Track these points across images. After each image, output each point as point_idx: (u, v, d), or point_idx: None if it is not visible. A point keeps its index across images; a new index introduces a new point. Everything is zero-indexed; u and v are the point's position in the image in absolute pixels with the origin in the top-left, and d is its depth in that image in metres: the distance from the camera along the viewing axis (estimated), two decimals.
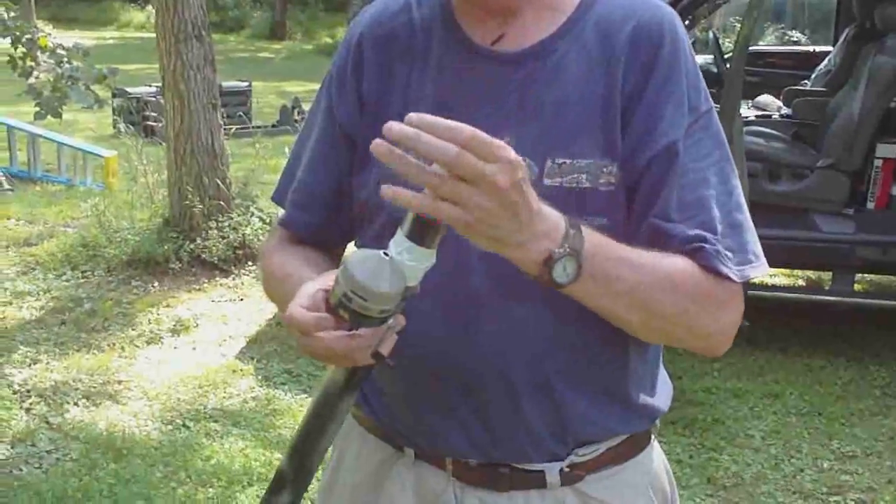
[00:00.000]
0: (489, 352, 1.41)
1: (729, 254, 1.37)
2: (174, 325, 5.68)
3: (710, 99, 1.44)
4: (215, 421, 4.52)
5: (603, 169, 1.38)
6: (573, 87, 1.41)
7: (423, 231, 1.18)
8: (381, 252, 1.19)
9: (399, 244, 1.19)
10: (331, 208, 1.58)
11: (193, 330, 5.65)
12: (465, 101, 1.45)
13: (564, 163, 1.39)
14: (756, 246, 1.42)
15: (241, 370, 5.09)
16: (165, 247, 6.49)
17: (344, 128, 1.55)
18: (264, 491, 3.68)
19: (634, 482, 1.54)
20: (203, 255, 6.49)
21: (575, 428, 1.48)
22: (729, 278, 1.37)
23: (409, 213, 1.18)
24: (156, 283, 6.28)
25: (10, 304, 5.98)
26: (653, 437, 1.60)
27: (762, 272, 1.42)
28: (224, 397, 4.78)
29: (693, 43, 6.97)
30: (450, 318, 1.41)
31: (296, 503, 1.43)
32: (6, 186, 8.97)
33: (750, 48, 6.44)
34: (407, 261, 1.19)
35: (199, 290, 6.25)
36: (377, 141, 1.13)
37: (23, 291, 6.17)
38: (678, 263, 1.36)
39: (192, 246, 6.51)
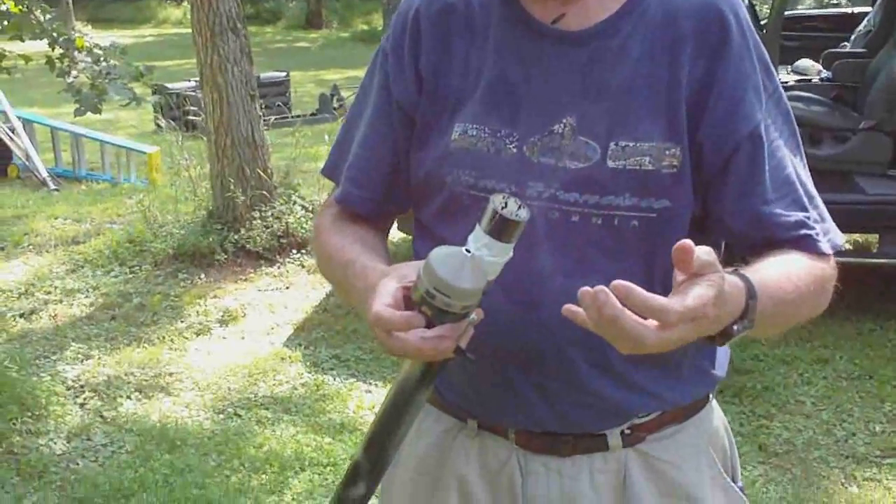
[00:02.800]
0: (550, 329, 1.41)
1: (821, 228, 1.43)
2: (222, 316, 5.73)
3: (777, 75, 1.47)
4: (266, 408, 4.56)
5: (666, 151, 1.39)
6: (637, 69, 1.41)
7: (503, 226, 1.18)
8: (463, 249, 1.20)
9: (478, 239, 1.20)
10: (388, 185, 1.58)
11: (241, 319, 5.70)
12: (525, 79, 1.45)
13: (628, 145, 1.39)
14: (830, 216, 1.48)
15: (290, 357, 5.13)
16: (210, 239, 6.54)
17: (402, 104, 1.54)
18: (316, 475, 3.72)
19: (695, 441, 1.55)
20: (248, 246, 6.53)
21: (634, 402, 1.49)
22: (830, 255, 1.43)
23: (489, 207, 1.18)
24: (202, 275, 6.34)
25: (61, 301, 6.07)
26: (711, 398, 1.61)
27: (841, 241, 1.47)
28: (274, 385, 4.82)
29: None
30: (513, 296, 1.41)
31: (370, 495, 1.45)
32: (52, 186, 9.08)
33: (787, 12, 6.37)
34: (487, 256, 1.19)
35: (246, 280, 6.30)
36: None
37: (72, 289, 6.25)
38: (803, 272, 1.38)
39: (236, 237, 6.56)
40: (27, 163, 9.44)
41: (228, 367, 5.03)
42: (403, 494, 1.65)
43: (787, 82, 6.30)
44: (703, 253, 1.14)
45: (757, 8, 7.64)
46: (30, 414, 4.46)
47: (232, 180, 6.62)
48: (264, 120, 7.07)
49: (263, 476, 3.94)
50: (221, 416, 4.52)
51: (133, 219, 7.52)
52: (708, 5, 1.42)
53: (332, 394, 4.68)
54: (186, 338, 5.47)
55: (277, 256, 6.58)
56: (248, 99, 6.76)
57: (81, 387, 4.85)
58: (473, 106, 1.47)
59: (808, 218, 1.42)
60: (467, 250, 1.19)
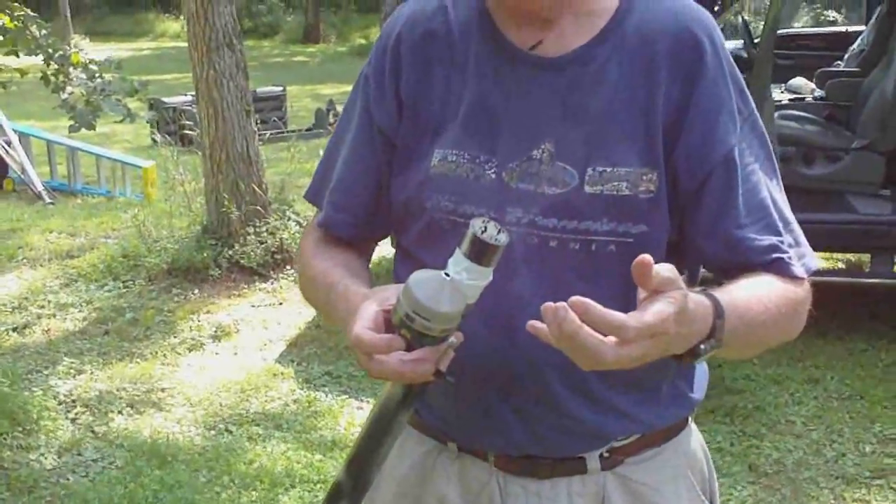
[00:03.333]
0: (528, 353, 1.42)
1: (794, 253, 1.44)
2: (215, 332, 5.73)
3: (751, 98, 1.48)
4: (257, 424, 4.57)
5: (643, 176, 1.40)
6: (615, 94, 1.42)
7: (482, 250, 1.19)
8: (442, 273, 1.21)
9: (458, 263, 1.21)
10: (370, 210, 1.59)
11: (234, 335, 5.71)
12: (504, 105, 1.46)
13: (605, 171, 1.40)
14: (803, 236, 1.49)
15: (282, 373, 5.14)
16: (204, 254, 6.55)
17: (383, 129, 1.55)
18: (307, 492, 3.72)
19: (674, 464, 1.56)
20: (242, 261, 6.54)
21: (613, 425, 1.50)
22: (803, 278, 1.44)
23: (469, 231, 1.20)
24: (196, 291, 6.34)
25: (54, 316, 6.07)
26: (690, 419, 1.62)
27: (815, 265, 1.48)
28: (266, 401, 4.82)
29: (722, 28, 6.95)
30: (491, 320, 1.42)
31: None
32: (48, 200, 9.09)
33: (781, 31, 6.41)
34: (466, 280, 1.21)
35: (239, 295, 6.30)
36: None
37: (66, 303, 6.25)
38: (775, 294, 1.39)
39: (230, 252, 6.57)
40: (23, 176, 9.45)
41: (220, 383, 5.03)
42: None
43: (780, 101, 6.32)
44: (664, 269, 1.15)
45: (751, 26, 7.67)
46: (21, 429, 4.46)
47: (226, 196, 6.62)
48: (260, 135, 7.09)
49: (254, 493, 3.94)
50: (213, 431, 4.52)
51: (128, 233, 7.52)
52: (682, 29, 1.43)
53: (323, 410, 4.69)
54: (179, 353, 5.47)
55: (271, 272, 6.58)
56: (243, 114, 6.77)
57: (73, 402, 4.85)
58: (453, 132, 1.48)
59: (782, 242, 1.43)
60: (446, 274, 1.21)
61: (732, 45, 6.66)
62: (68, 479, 4.11)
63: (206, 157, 6.86)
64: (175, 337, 5.69)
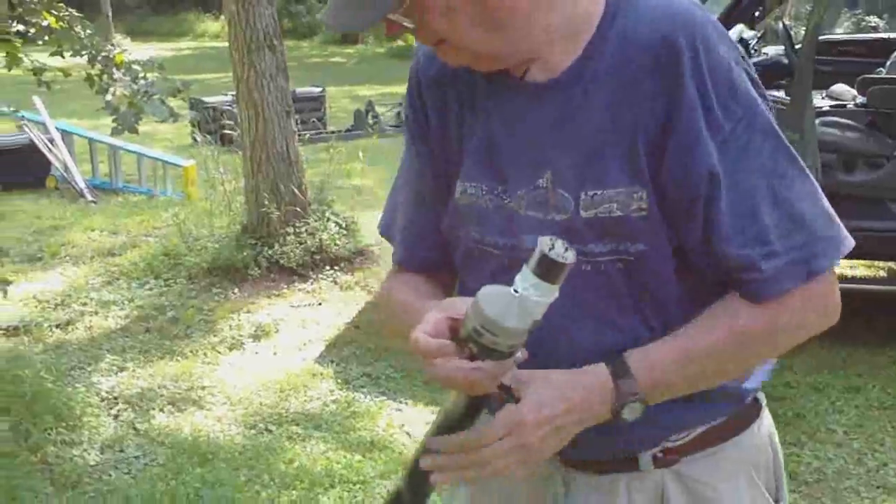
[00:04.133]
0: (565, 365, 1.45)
1: (788, 259, 1.38)
2: (255, 331, 5.78)
3: (752, 91, 1.42)
4: (297, 424, 4.60)
5: (633, 195, 1.41)
6: (601, 115, 1.43)
7: (550, 267, 1.22)
8: (511, 289, 1.24)
9: (525, 279, 1.24)
10: (440, 243, 1.64)
11: (274, 335, 5.75)
12: (509, 135, 1.50)
13: (596, 194, 1.42)
14: (829, 229, 1.42)
15: (322, 374, 5.17)
16: (244, 254, 6.60)
17: (427, 165, 1.62)
18: (346, 493, 3.74)
19: (735, 460, 1.57)
20: (281, 261, 6.58)
21: (658, 433, 1.53)
22: (786, 292, 1.39)
23: (537, 249, 1.22)
24: (236, 290, 6.39)
25: (96, 313, 6.14)
26: (760, 414, 1.62)
27: (840, 253, 1.42)
28: (305, 401, 4.86)
29: (763, 34, 6.89)
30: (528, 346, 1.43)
31: None
32: (90, 198, 9.18)
33: (822, 37, 6.37)
34: (533, 296, 1.23)
35: (279, 295, 6.34)
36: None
37: (108, 301, 6.32)
38: (719, 330, 1.41)
39: (270, 252, 6.61)
40: (65, 174, 9.56)
41: (260, 383, 5.07)
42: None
43: (821, 107, 6.28)
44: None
45: (791, 31, 7.63)
46: (64, 424, 4.51)
47: (266, 195, 6.67)
48: (299, 135, 7.13)
49: (293, 492, 3.97)
50: (252, 431, 4.55)
51: (168, 232, 7.59)
52: (661, 38, 1.39)
53: (362, 411, 4.71)
54: (219, 352, 5.52)
55: (310, 273, 6.62)
56: (283, 115, 6.81)
57: (115, 398, 4.90)
58: (469, 165, 1.54)
59: (764, 255, 1.38)
60: (515, 290, 1.23)
61: (773, 50, 6.63)
62: (111, 476, 4.16)
63: (246, 157, 6.91)
64: (215, 336, 5.74)
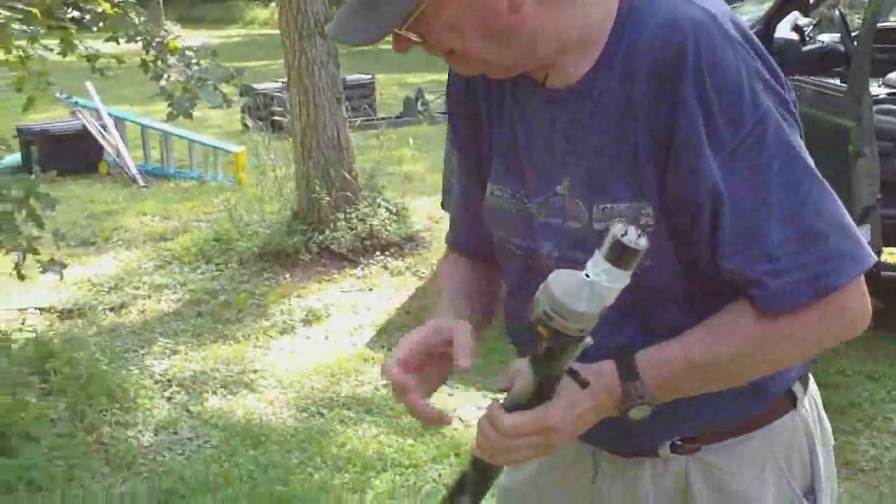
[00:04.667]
0: None
1: (799, 276, 1.33)
2: (306, 316, 5.81)
3: (763, 99, 1.35)
4: (348, 408, 4.62)
5: (641, 211, 1.39)
6: (610, 127, 1.41)
7: (621, 253, 1.22)
8: (583, 273, 1.24)
9: (597, 265, 1.23)
10: (483, 232, 1.66)
11: (325, 320, 5.77)
12: (529, 141, 1.51)
13: (607, 206, 1.41)
14: (845, 244, 1.35)
15: (372, 358, 5.18)
16: (295, 239, 6.63)
17: (463, 164, 1.68)
18: (398, 476, 3.74)
19: (761, 451, 1.55)
20: (332, 247, 6.61)
21: (675, 430, 1.54)
22: (798, 308, 1.35)
23: (609, 234, 1.22)
24: (287, 275, 6.43)
25: (149, 297, 6.19)
26: (795, 408, 1.58)
27: (858, 270, 1.35)
28: (356, 385, 4.87)
29: (818, 22, 6.81)
30: None
31: None
32: (141, 183, 9.26)
33: (880, 24, 6.28)
34: (604, 282, 1.23)
35: (329, 280, 6.37)
36: None
37: (160, 285, 6.38)
38: (731, 335, 1.39)
39: (321, 237, 6.64)
40: (118, 159, 9.64)
41: (312, 367, 5.09)
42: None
43: (877, 95, 6.20)
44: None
45: (848, 19, 7.53)
46: (119, 406, 4.56)
47: (317, 181, 6.69)
48: (350, 122, 7.14)
49: (346, 475, 3.99)
50: (304, 414, 4.58)
51: (219, 217, 7.64)
52: (665, 45, 1.35)
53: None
54: (271, 336, 5.55)
55: (361, 258, 6.63)
56: (334, 101, 6.83)
57: (168, 381, 4.95)
58: (496, 167, 1.57)
59: (768, 271, 1.34)
60: (587, 275, 1.23)
61: (829, 38, 6.55)
62: (164, 457, 4.21)
63: (297, 144, 6.94)
64: (267, 320, 5.77)
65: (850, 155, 4.48)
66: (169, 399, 4.76)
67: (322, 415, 4.57)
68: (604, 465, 1.60)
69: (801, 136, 1.40)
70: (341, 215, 6.69)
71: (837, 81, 5.37)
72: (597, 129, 1.42)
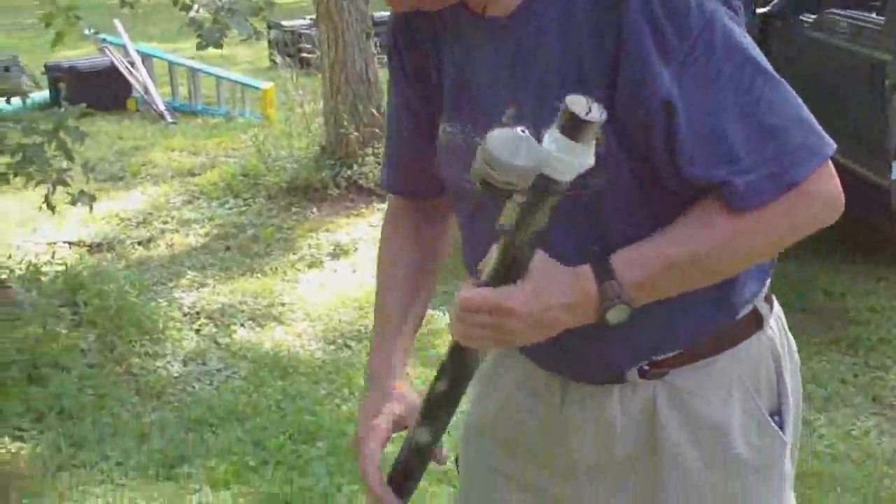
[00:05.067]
0: None
1: (761, 174, 1.31)
2: (334, 250, 5.81)
3: (706, 8, 1.32)
4: None
5: None
6: (555, 50, 1.38)
7: (572, 124, 1.20)
8: (519, 129, 1.22)
9: (551, 135, 1.22)
10: (421, 171, 1.66)
11: (352, 253, 5.77)
12: (474, 74, 1.49)
13: None
14: (805, 136, 1.34)
15: None
16: (323, 174, 6.62)
17: (404, 106, 1.66)
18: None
19: (728, 372, 1.53)
20: (360, 181, 6.59)
21: (639, 347, 1.51)
22: (763, 204, 1.33)
23: (563, 106, 1.20)
24: (315, 209, 6.42)
25: (178, 231, 6.21)
26: (760, 327, 1.56)
27: (820, 159, 1.33)
28: None
29: None
30: None
31: (451, 393, 1.51)
32: (169, 119, 9.26)
33: None
34: (555, 151, 1.21)
35: (357, 215, 6.36)
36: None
37: (189, 219, 6.40)
38: (713, 228, 1.36)
39: (348, 172, 6.62)
40: (145, 96, 9.63)
41: (339, 300, 5.09)
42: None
43: None
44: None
45: None
46: (148, 337, 4.59)
47: (345, 117, 6.67)
48: (378, 58, 7.09)
49: None
50: (332, 346, 4.59)
51: (247, 153, 7.63)
52: None
53: (440, 329, 4.71)
54: (298, 270, 5.56)
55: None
56: (362, 37, 6.78)
57: (197, 313, 4.97)
58: (446, 107, 1.54)
59: (733, 171, 1.32)
60: (523, 131, 1.22)
61: None
62: (194, 387, 4.23)
63: (325, 79, 6.90)
64: (294, 254, 5.78)
65: (887, 89, 4.41)
66: (197, 331, 4.78)
67: (349, 347, 4.58)
68: (571, 393, 1.57)
69: (746, 33, 1.38)
70: (369, 150, 6.67)
71: (874, 15, 5.27)
72: (541, 55, 1.39)
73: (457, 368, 1.48)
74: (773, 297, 1.62)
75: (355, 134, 6.61)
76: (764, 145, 1.32)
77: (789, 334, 1.65)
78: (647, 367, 1.51)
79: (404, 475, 1.57)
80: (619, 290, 1.34)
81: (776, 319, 1.61)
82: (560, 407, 1.59)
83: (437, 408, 1.52)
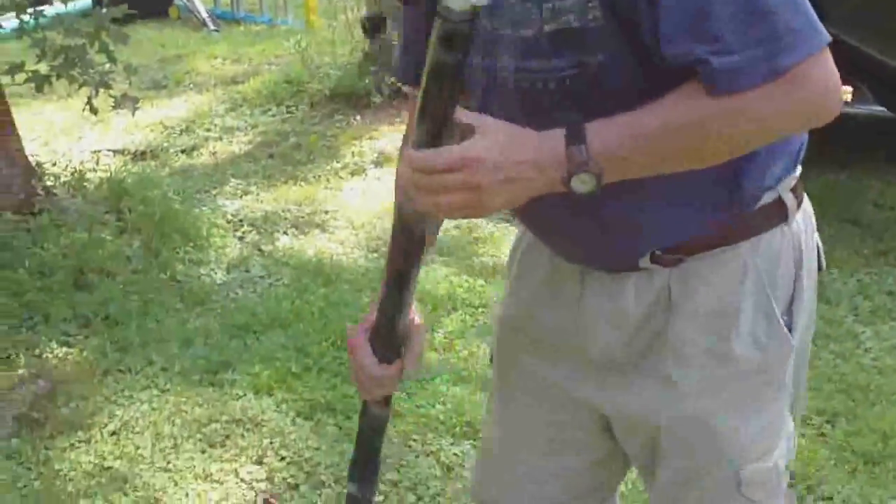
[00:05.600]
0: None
1: (744, 56, 1.25)
2: (377, 157, 5.77)
3: None
4: None
5: (587, 5, 1.32)
6: None
7: None
8: None
9: None
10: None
11: (396, 162, 5.71)
12: None
13: (554, 5, 1.34)
14: (796, 21, 1.26)
15: None
16: (366, 81, 6.55)
17: None
18: (468, 316, 3.74)
19: (746, 261, 1.51)
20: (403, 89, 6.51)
21: (647, 234, 1.50)
22: (748, 88, 1.26)
23: None
24: (358, 117, 6.37)
25: (220, 139, 6.19)
26: (786, 220, 1.53)
27: (812, 48, 1.26)
28: None
29: None
30: None
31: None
32: (212, 27, 9.20)
33: None
34: None
35: (401, 122, 6.29)
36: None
37: (231, 127, 6.37)
38: (690, 104, 1.29)
39: (391, 79, 6.54)
40: (188, 3, 9.56)
41: (383, 208, 5.07)
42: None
43: None
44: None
45: None
46: (192, 244, 4.60)
47: (388, 21, 6.57)
48: None
49: None
50: (375, 254, 4.57)
51: (290, 60, 7.56)
52: None
53: (484, 237, 4.70)
54: (341, 177, 5.53)
55: None
56: None
57: (240, 221, 4.97)
58: None
59: (713, 51, 1.25)
60: None
61: None
62: (237, 294, 4.24)
63: None
64: (337, 162, 5.75)
65: None
66: (241, 238, 4.78)
67: None
68: (590, 282, 1.58)
69: None
70: None
71: None
72: None
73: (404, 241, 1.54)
74: (805, 194, 1.59)
75: (397, 39, 6.51)
76: (750, 27, 1.25)
77: (817, 238, 1.62)
78: (659, 253, 1.50)
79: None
80: (587, 157, 1.28)
81: (805, 216, 1.58)
82: (579, 298, 1.60)
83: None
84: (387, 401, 1.74)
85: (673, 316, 1.53)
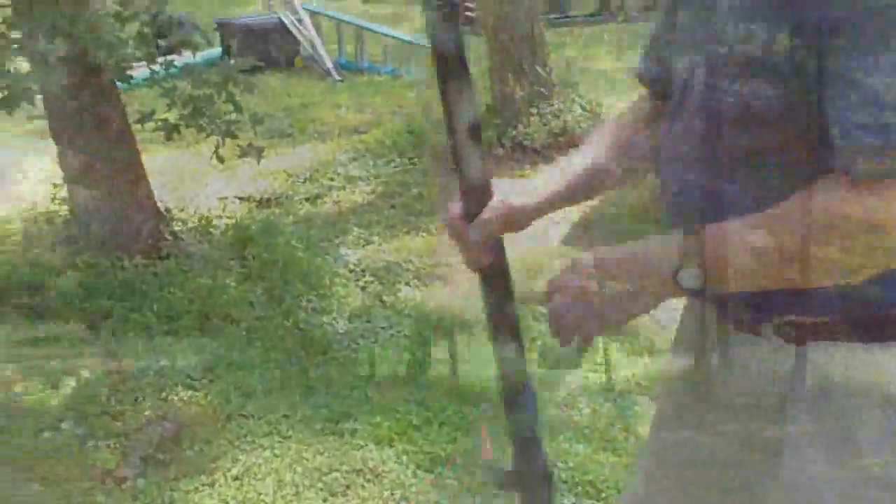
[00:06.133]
0: None
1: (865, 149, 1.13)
2: None
3: None
4: (542, 302, 4.55)
5: (776, 37, 1.25)
6: None
7: None
8: None
9: None
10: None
11: None
12: None
13: (743, 32, 1.29)
14: None
15: (567, 254, 5.10)
16: (488, 133, 6.56)
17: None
18: (591, 373, 3.64)
19: (868, 372, 1.34)
20: (525, 142, 6.52)
21: (773, 301, 1.36)
22: (871, 183, 1.14)
23: None
24: None
25: (343, 188, 6.25)
26: None
27: None
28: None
29: None
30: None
31: None
32: (336, 77, 9.33)
33: None
34: None
35: (522, 175, 6.29)
36: None
37: (354, 176, 6.43)
38: (818, 199, 1.18)
39: (513, 132, 6.56)
40: (313, 53, 9.73)
41: (507, 260, 5.04)
42: None
43: None
44: None
45: None
46: (315, 293, 4.63)
47: (510, 76, 6.59)
48: (545, 17, 6.99)
49: None
50: None
51: (413, 111, 7.63)
52: None
53: None
54: None
55: (554, 154, 6.52)
56: None
57: (362, 270, 4.99)
58: None
59: (870, 126, 1.13)
60: None
61: None
62: (359, 343, 4.25)
63: (490, 37, 6.83)
64: None
65: None
66: (363, 288, 4.80)
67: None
68: (721, 336, 1.51)
69: None
70: (534, 111, 6.58)
71: None
72: None
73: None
74: None
75: (520, 93, 6.53)
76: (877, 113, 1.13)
77: None
78: (784, 326, 1.36)
79: None
80: (696, 248, 1.24)
81: None
82: (719, 352, 1.53)
83: None
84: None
85: (791, 400, 1.40)
